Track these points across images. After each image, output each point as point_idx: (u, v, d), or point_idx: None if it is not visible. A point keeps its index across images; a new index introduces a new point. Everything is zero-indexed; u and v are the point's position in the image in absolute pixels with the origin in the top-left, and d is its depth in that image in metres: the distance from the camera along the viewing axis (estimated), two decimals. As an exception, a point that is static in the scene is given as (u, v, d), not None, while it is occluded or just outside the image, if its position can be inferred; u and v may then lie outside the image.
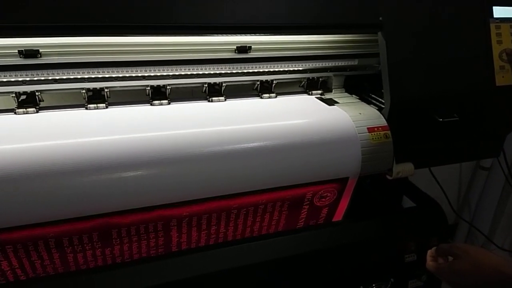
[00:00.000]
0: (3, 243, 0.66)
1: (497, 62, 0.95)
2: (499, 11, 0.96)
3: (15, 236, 0.65)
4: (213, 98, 0.89)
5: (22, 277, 0.72)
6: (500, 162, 1.52)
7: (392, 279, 0.88)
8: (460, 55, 0.93)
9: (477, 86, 0.94)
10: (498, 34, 0.96)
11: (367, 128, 0.84)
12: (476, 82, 0.94)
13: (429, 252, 0.74)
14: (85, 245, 0.72)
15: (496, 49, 0.95)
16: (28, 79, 0.75)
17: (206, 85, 0.89)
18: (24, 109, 0.76)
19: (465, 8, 0.94)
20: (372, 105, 0.93)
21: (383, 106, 0.90)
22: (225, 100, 0.90)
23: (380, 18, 0.86)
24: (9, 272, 0.71)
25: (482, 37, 0.94)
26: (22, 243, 0.67)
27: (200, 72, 0.86)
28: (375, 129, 0.85)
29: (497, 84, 0.95)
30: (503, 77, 0.96)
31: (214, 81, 0.89)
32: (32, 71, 0.75)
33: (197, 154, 0.71)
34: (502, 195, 1.92)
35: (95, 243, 0.73)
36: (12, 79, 0.73)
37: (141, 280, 0.73)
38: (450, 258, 0.70)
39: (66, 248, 0.71)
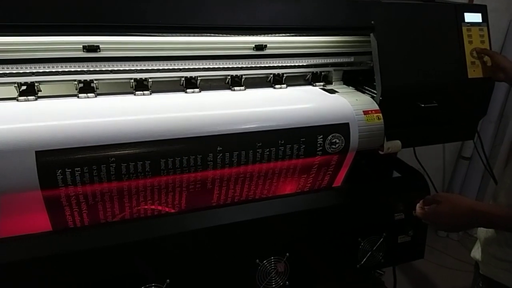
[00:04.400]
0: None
1: (468, 58, 1.15)
2: (469, 17, 1.16)
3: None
4: (235, 88, 1.07)
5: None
6: (479, 152, 1.71)
7: (384, 234, 1.07)
8: (439, 52, 1.12)
9: (453, 78, 1.13)
10: (469, 36, 1.16)
11: (363, 111, 1.03)
12: (451, 75, 1.13)
13: (418, 204, 0.92)
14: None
15: (468, 48, 1.15)
16: (91, 69, 0.92)
17: (229, 77, 1.07)
18: (86, 94, 0.93)
19: (442, 14, 1.14)
20: (366, 94, 1.12)
21: (375, 95, 1.09)
22: (245, 89, 1.08)
23: (372, 22, 1.05)
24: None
25: (456, 38, 1.14)
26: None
27: (225, 66, 1.04)
28: (369, 112, 1.03)
29: (469, 77, 1.15)
30: (474, 70, 1.16)
31: (236, 73, 1.07)
32: (92, 62, 0.92)
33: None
34: (482, 183, 2.12)
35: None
36: (78, 69, 0.91)
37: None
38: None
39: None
